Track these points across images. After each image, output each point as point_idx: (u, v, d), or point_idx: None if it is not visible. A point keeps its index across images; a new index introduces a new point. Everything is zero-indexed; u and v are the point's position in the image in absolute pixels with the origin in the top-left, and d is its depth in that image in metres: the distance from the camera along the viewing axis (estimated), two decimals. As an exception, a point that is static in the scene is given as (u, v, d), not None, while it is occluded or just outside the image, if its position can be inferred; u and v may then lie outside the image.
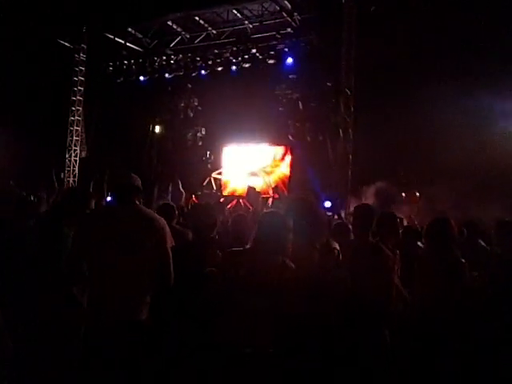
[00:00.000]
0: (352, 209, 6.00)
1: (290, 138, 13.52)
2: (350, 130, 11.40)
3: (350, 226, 3.80)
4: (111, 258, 2.82)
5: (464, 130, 9.11)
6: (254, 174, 13.48)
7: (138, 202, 3.05)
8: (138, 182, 3.05)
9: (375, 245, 3.16)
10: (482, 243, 4.39)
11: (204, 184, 13.30)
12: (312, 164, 12.11)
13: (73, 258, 2.93)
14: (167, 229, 2.99)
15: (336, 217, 5.73)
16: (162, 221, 3.01)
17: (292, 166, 13.31)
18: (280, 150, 13.64)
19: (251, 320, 2.39)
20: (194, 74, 13.85)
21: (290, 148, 13.45)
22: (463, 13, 9.28)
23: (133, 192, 3.00)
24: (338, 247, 2.80)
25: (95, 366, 2.82)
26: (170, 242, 2.96)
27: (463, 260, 3.45)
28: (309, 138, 13.09)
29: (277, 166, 13.55)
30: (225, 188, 13.91)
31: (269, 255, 2.46)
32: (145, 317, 2.87)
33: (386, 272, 3.04)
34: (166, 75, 14.12)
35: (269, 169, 13.51)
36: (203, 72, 13.66)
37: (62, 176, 13.49)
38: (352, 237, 3.57)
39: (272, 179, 13.04)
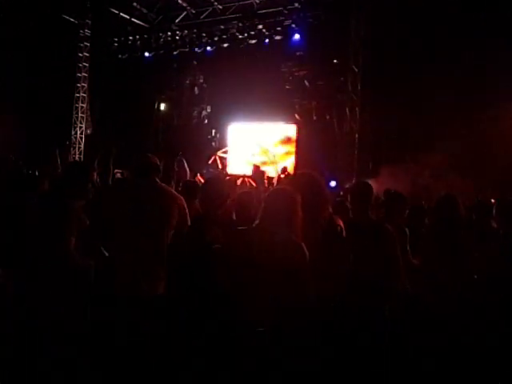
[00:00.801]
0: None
1: (297, 116, 13.39)
2: (357, 109, 11.27)
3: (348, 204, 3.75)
4: (131, 232, 2.87)
5: (471, 111, 9.00)
6: (260, 153, 13.38)
7: (157, 180, 3.10)
8: (157, 160, 3.11)
9: (375, 222, 3.11)
10: (494, 224, 4.26)
11: (209, 162, 13.26)
12: (318, 143, 12.02)
13: (92, 231, 2.99)
14: (186, 208, 3.06)
15: (341, 193, 5.70)
16: (182, 199, 3.09)
17: (298, 144, 13.21)
18: (286, 128, 13.52)
19: (261, 298, 2.35)
20: (199, 51, 13.67)
21: (297, 127, 13.33)
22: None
23: (152, 170, 3.07)
24: (341, 224, 2.76)
25: (107, 340, 2.87)
26: (187, 221, 3.01)
27: (468, 240, 3.42)
28: (315, 117, 12.95)
29: (283, 145, 13.44)
30: (230, 166, 13.86)
31: (277, 232, 2.38)
32: (161, 292, 2.90)
33: (386, 250, 3.01)
34: (172, 51, 13.95)
35: (276, 150, 13.37)
36: (209, 48, 13.48)
37: (67, 153, 13.46)
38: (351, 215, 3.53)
39: (279, 164, 12.88)
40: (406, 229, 3.65)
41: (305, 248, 2.40)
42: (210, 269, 2.84)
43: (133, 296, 2.85)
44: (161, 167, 3.29)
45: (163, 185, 3.14)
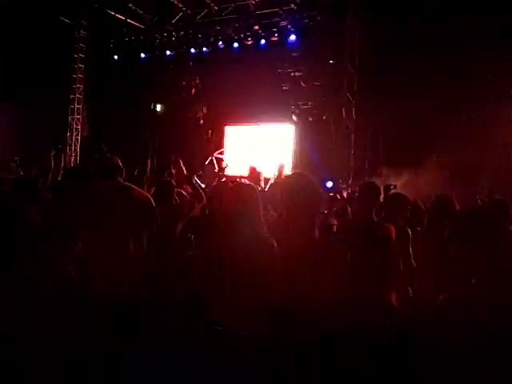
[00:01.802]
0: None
1: (293, 117, 13.36)
2: (353, 109, 11.27)
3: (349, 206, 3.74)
4: (100, 233, 2.86)
5: (471, 112, 9.01)
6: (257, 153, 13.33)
7: (120, 180, 3.17)
8: (119, 161, 3.18)
9: (376, 223, 3.10)
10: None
11: (206, 163, 13.23)
12: (315, 143, 12.01)
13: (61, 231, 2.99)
14: (154, 206, 3.11)
15: (338, 196, 5.69)
16: (149, 199, 3.18)
17: (295, 145, 13.18)
18: (283, 129, 13.50)
19: (236, 300, 2.28)
20: (195, 51, 13.66)
21: (294, 127, 13.30)
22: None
23: (115, 171, 3.16)
24: (335, 223, 2.76)
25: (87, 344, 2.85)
26: (157, 218, 3.03)
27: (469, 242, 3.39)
28: (310, 118, 12.94)
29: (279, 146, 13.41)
30: (226, 167, 13.82)
31: (238, 230, 2.32)
32: (133, 292, 2.88)
33: (386, 252, 3.00)
34: (167, 52, 13.94)
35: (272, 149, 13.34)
36: (205, 49, 13.47)
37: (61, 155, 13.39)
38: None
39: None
40: (409, 230, 3.61)
41: (275, 243, 2.34)
42: (184, 275, 2.84)
43: (109, 299, 2.83)
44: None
45: (127, 184, 3.20)
